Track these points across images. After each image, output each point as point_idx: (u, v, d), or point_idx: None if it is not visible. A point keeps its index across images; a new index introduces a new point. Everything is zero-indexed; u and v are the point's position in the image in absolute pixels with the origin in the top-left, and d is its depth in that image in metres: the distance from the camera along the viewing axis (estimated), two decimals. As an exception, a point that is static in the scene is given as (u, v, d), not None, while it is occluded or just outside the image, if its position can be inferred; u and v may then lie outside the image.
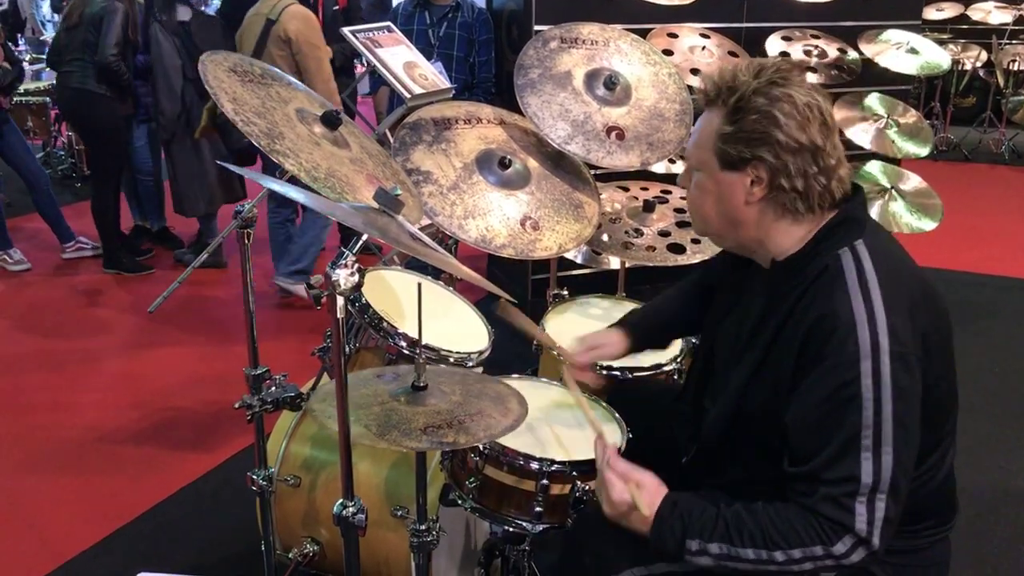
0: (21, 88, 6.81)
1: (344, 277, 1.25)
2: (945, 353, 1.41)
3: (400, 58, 2.88)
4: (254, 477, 1.96)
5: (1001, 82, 7.93)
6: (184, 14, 4.57)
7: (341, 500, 1.39)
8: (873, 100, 3.83)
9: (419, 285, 1.45)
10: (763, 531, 1.34)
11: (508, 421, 1.46)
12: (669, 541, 1.39)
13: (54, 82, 6.86)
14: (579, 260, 3.22)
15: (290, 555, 2.12)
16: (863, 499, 1.28)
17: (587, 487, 1.67)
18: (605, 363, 2.18)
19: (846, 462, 1.29)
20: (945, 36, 8.30)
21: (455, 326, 2.20)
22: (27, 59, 7.67)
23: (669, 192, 2.80)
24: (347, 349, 2.06)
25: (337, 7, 4.73)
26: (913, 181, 3.82)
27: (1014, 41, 8.13)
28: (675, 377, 2.24)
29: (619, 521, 1.45)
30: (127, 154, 4.95)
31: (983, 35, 8.24)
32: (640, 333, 1.90)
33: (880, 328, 1.29)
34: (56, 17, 8.65)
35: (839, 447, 1.29)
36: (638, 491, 1.43)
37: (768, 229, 1.44)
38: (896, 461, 1.28)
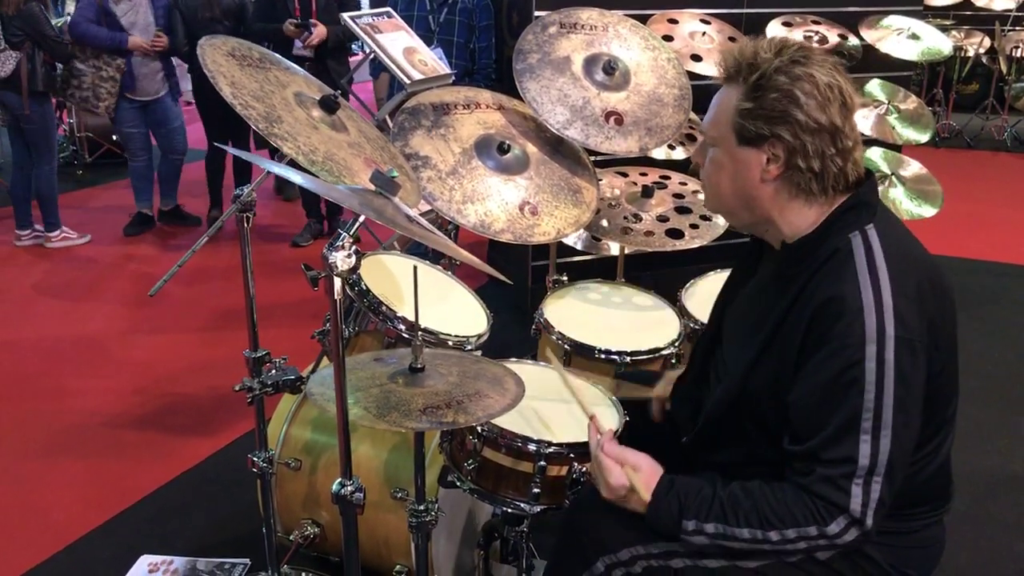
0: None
1: (341, 259, 1.26)
2: (950, 341, 1.42)
3: (400, 44, 2.89)
4: (255, 459, 1.98)
5: (1004, 69, 7.90)
6: None
7: (340, 479, 1.41)
8: (874, 86, 3.82)
9: (415, 268, 1.46)
10: (758, 511, 1.35)
11: (506, 401, 1.47)
12: (666, 520, 1.41)
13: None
14: (578, 247, 3.22)
15: (291, 537, 2.14)
16: (859, 480, 1.29)
17: (584, 468, 1.68)
18: (603, 347, 2.19)
19: (845, 443, 1.30)
20: (948, 22, 8.26)
21: (454, 310, 2.21)
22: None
23: (668, 177, 2.81)
24: (346, 333, 2.07)
25: None
26: (913, 167, 3.81)
27: (1017, 27, 8.09)
28: (673, 362, 2.26)
29: (617, 503, 1.47)
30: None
31: (986, 21, 8.20)
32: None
33: (887, 314, 1.29)
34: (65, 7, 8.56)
35: (839, 428, 1.30)
36: (635, 474, 1.45)
37: (781, 208, 1.43)
38: (894, 445, 1.29)
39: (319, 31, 4.61)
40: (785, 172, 1.39)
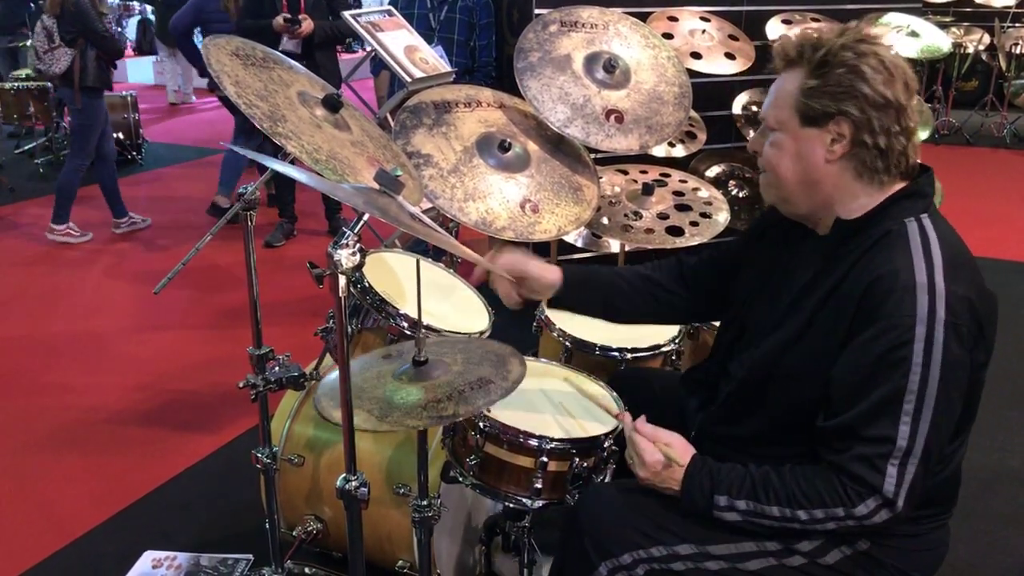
0: (23, 73, 6.83)
1: (346, 256, 1.27)
2: (989, 347, 1.42)
3: (401, 42, 2.90)
4: (258, 455, 1.99)
5: (1003, 65, 7.91)
6: None
7: (344, 474, 1.42)
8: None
9: (417, 262, 1.48)
10: (788, 491, 1.38)
11: (507, 384, 1.48)
12: (698, 497, 1.44)
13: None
14: (579, 244, 3.24)
15: (294, 533, 2.16)
16: (895, 461, 1.30)
17: (585, 464, 1.70)
18: (602, 343, 2.21)
19: (884, 421, 1.30)
20: (947, 19, 8.27)
21: (456, 308, 2.22)
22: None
23: (668, 175, 2.82)
24: (349, 330, 2.08)
25: None
26: (912, 164, 3.82)
27: (1017, 24, 8.10)
28: (673, 358, 2.27)
29: (652, 482, 1.50)
30: None
31: (986, 18, 8.21)
32: (573, 276, 1.80)
33: (939, 296, 1.30)
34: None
35: (879, 405, 1.31)
36: (669, 449, 1.49)
37: (843, 190, 1.42)
38: (932, 430, 1.30)
39: (307, 24, 4.63)
40: (851, 150, 1.39)
